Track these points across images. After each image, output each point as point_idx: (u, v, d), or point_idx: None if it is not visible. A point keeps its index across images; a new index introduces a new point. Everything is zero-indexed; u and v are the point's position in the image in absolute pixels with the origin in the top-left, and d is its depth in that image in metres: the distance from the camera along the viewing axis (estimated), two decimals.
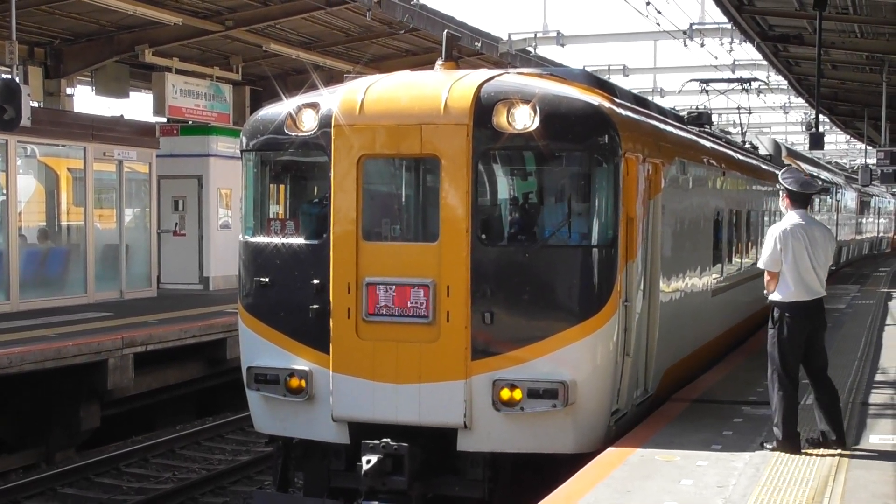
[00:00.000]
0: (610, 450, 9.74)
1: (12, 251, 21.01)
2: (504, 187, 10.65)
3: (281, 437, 10.75)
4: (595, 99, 10.39)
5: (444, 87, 10.05)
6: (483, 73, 10.51)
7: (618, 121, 10.27)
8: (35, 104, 21.85)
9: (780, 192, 10.20)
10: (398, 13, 24.45)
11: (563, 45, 29.11)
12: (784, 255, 9.57)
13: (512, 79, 10.53)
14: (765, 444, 9.86)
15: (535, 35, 29.12)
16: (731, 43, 28.66)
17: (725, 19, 20.76)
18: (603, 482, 8.79)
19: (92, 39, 25.05)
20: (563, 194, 10.49)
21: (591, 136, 10.00)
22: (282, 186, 11.24)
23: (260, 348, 10.52)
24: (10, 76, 17.49)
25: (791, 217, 9.77)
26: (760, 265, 9.83)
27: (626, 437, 10.20)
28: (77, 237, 23.85)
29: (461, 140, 9.84)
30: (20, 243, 21.64)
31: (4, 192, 21.27)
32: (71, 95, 26.18)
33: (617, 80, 26.58)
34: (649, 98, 17.03)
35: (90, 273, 23.25)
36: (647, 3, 24.06)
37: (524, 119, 9.82)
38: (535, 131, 9.80)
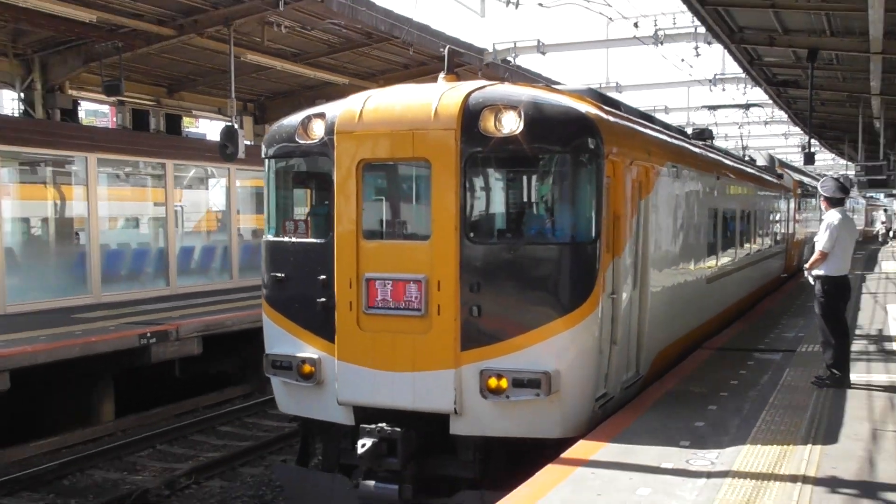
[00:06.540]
0: (582, 441, 7.40)
1: (233, 246, 21.27)
2: (492, 188, 8.41)
3: (300, 416, 8.70)
4: (581, 105, 8.11)
5: (435, 96, 7.93)
6: (474, 83, 8.28)
7: (602, 126, 7.99)
8: (247, 143, 21.82)
9: (819, 197, 9.91)
10: (388, 28, 20.27)
11: (543, 54, 23.96)
12: (838, 240, 9.33)
13: (501, 88, 8.27)
14: (822, 382, 9.42)
15: (515, 44, 23.62)
16: (745, 87, 27.17)
17: (740, 70, 20.35)
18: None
19: (286, 96, 25.29)
20: (548, 194, 8.21)
21: (573, 139, 7.73)
22: (296, 190, 9.12)
23: (278, 337, 8.53)
24: (231, 123, 18.44)
25: (835, 213, 9.51)
26: (820, 247, 9.28)
27: (598, 429, 7.79)
28: None
29: (450, 144, 7.70)
30: (239, 241, 21.86)
31: (227, 205, 21.69)
32: None
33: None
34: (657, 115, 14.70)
35: None
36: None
37: (510, 123, 7.65)
38: (521, 134, 7.62)
